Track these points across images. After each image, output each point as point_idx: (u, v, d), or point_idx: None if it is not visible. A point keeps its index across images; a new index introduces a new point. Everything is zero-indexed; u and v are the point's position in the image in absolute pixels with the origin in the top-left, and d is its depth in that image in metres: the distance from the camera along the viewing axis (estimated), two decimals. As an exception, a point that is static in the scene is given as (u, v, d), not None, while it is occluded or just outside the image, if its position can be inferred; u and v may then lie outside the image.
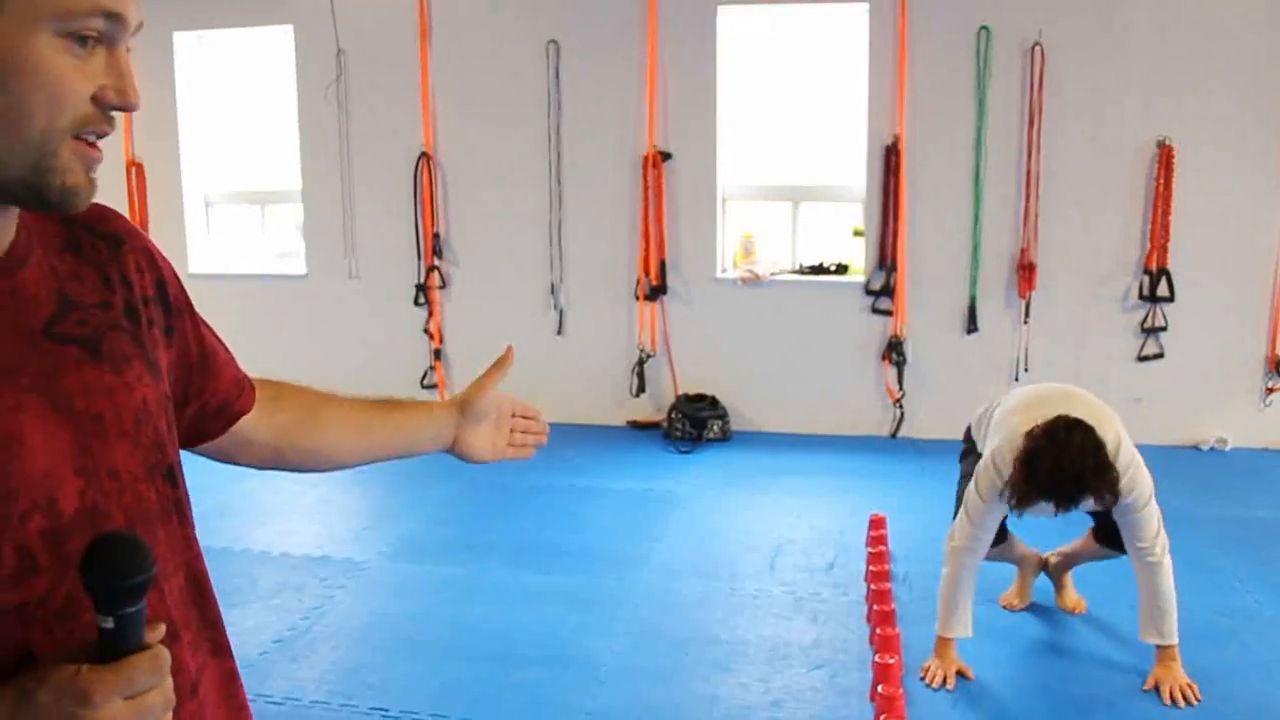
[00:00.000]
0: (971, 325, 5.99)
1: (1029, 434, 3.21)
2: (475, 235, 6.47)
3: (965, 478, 3.69)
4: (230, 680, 1.16)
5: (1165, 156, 5.66)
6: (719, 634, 3.82)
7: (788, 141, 6.28)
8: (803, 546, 4.63)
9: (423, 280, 6.51)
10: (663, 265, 6.23)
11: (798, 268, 6.30)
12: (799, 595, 4.09)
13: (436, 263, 6.49)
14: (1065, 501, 3.16)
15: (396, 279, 6.55)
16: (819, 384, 6.23)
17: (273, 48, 6.54)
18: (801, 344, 6.21)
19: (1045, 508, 3.27)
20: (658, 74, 6.08)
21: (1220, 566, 4.34)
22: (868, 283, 6.09)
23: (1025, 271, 5.86)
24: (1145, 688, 3.36)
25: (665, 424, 6.21)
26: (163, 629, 0.91)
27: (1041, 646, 3.74)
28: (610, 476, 5.59)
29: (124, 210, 6.68)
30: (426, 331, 6.57)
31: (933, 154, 5.89)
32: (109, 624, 0.88)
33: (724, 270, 6.32)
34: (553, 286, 6.41)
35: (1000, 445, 3.36)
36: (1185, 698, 3.27)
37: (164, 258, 1.17)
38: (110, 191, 6.70)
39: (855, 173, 6.10)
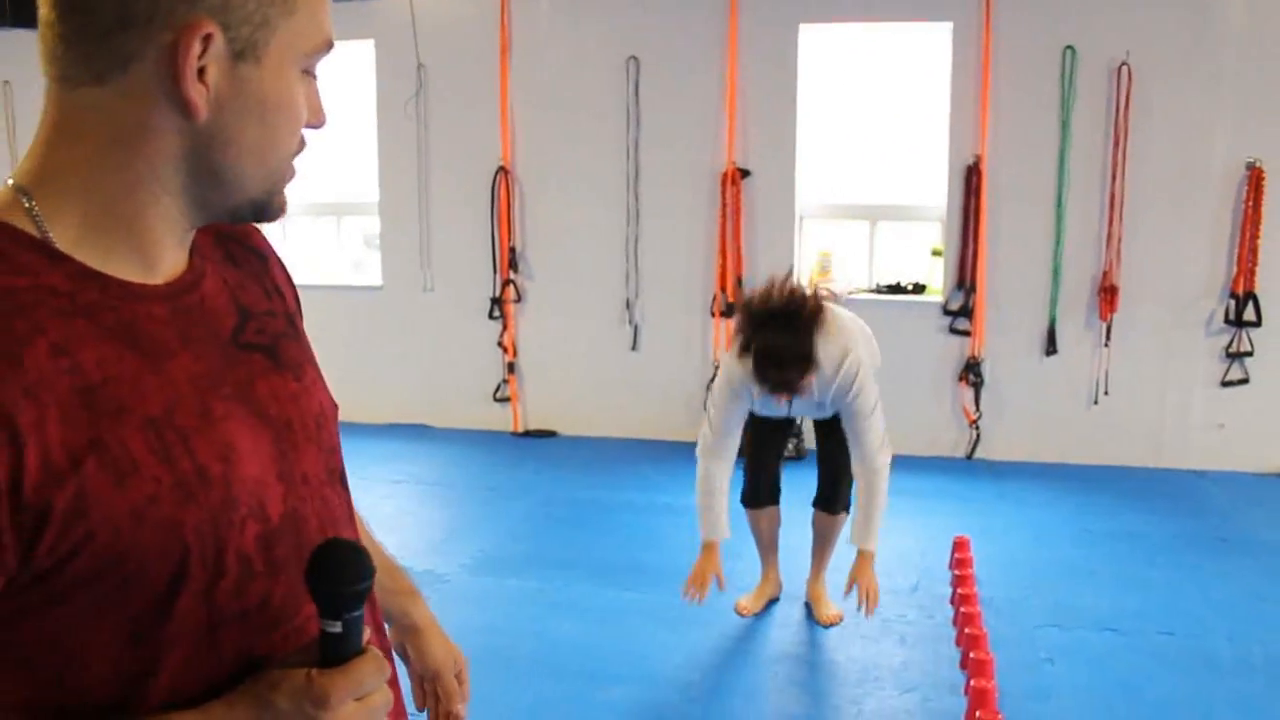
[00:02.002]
0: (1051, 347, 5.93)
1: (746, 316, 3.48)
2: (551, 250, 6.51)
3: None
4: (395, 684, 1.18)
5: (1255, 179, 5.57)
6: (807, 655, 3.81)
7: (866, 160, 6.25)
8: (885, 568, 4.56)
9: (498, 294, 6.56)
10: (739, 281, 6.22)
11: (875, 287, 6.28)
12: (885, 617, 4.05)
13: (512, 276, 6.54)
14: (769, 380, 3.40)
15: (471, 292, 6.60)
16: (895, 404, 6.10)
17: (354, 62, 6.63)
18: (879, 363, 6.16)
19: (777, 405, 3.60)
20: (738, 91, 6.09)
21: (1319, 598, 4.25)
22: (946, 303, 6.05)
23: (1107, 294, 5.79)
24: (845, 593, 3.66)
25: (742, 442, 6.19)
26: (369, 631, 0.94)
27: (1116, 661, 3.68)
28: (687, 493, 5.51)
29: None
30: (500, 345, 6.61)
31: (1014, 174, 5.84)
32: (336, 628, 0.90)
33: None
34: (628, 302, 6.43)
35: (728, 355, 3.61)
36: (870, 598, 3.60)
37: (292, 278, 1.22)
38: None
39: (934, 192, 6.06)
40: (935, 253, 6.20)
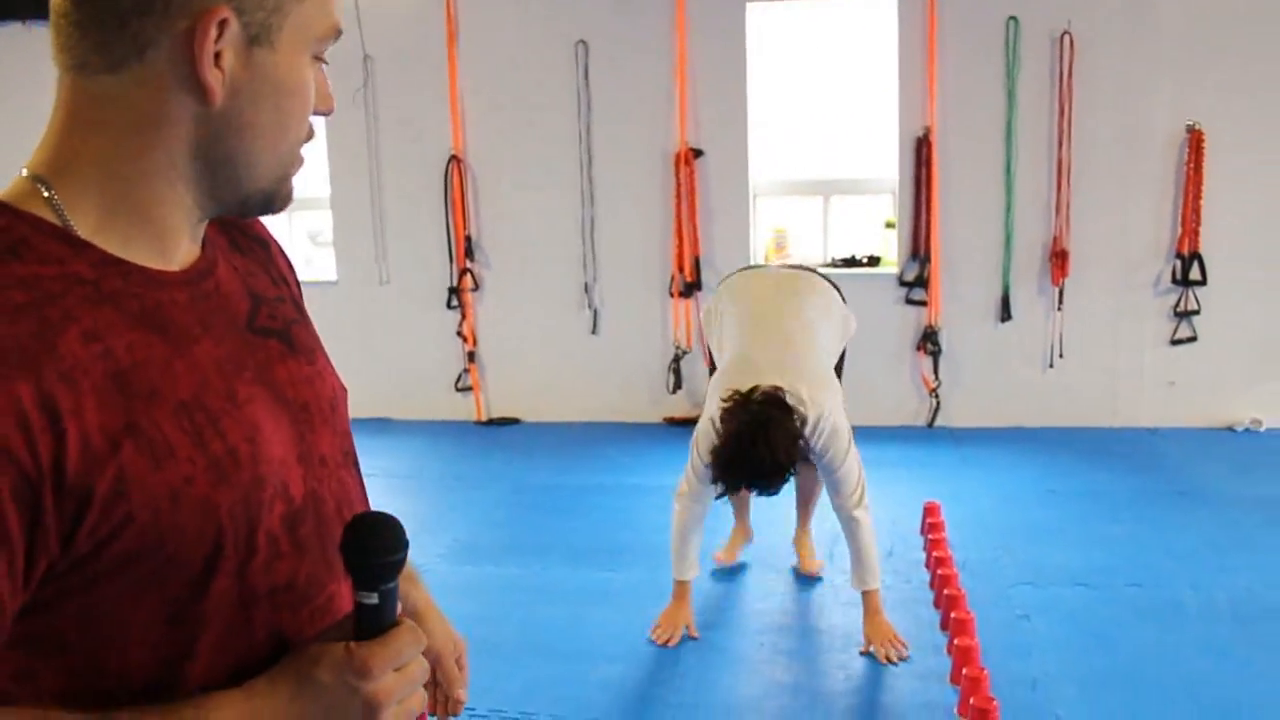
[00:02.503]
0: (1005, 314, 6.04)
1: (722, 428, 3.39)
2: (507, 237, 6.50)
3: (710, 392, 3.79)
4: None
5: (1195, 142, 5.72)
6: (790, 624, 3.87)
7: (818, 135, 6.32)
8: (857, 536, 4.67)
9: (455, 283, 6.54)
10: (696, 261, 6.26)
11: (830, 261, 6.35)
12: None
13: (469, 265, 6.52)
14: (753, 489, 3.47)
15: (428, 283, 6.57)
16: (855, 375, 6.17)
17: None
18: (836, 336, 6.25)
19: None
20: (688, 71, 6.12)
21: (1271, 545, 4.40)
22: (901, 274, 6.14)
23: (1058, 259, 5.92)
24: (861, 651, 3.56)
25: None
26: (400, 605, 0.97)
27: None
28: (654, 473, 5.60)
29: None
30: (460, 334, 6.59)
31: (964, 145, 5.94)
32: (373, 600, 0.92)
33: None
34: (586, 286, 6.44)
35: (710, 420, 3.53)
36: (896, 652, 3.50)
37: (293, 265, 1.23)
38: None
39: (885, 165, 6.14)
40: (889, 225, 6.28)
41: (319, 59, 0.98)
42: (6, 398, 0.80)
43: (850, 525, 3.60)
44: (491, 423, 6.64)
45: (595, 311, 6.47)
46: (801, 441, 3.41)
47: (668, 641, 3.67)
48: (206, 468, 0.89)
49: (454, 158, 6.40)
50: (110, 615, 0.88)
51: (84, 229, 0.91)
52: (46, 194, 0.91)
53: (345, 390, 1.14)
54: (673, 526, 3.72)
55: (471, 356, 6.63)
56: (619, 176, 6.29)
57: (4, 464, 0.79)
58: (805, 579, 4.21)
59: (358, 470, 1.13)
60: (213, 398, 0.93)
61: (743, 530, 4.35)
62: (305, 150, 1.01)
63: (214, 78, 0.90)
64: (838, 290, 4.03)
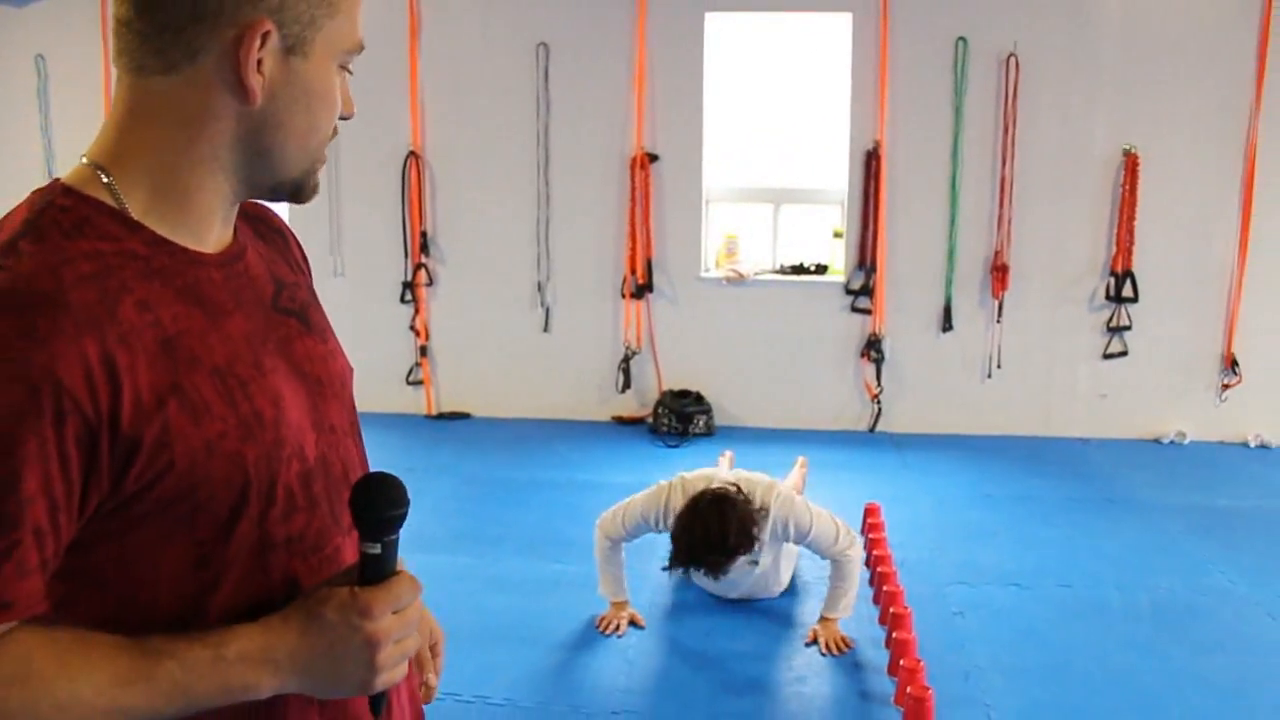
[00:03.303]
0: (947, 324, 6.24)
1: (682, 509, 3.64)
2: (463, 233, 6.57)
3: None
4: None
5: (1131, 164, 5.96)
6: (735, 615, 3.99)
7: (770, 145, 6.47)
8: (800, 535, 4.82)
9: (410, 278, 6.59)
10: (649, 264, 6.39)
11: (779, 268, 6.50)
12: (805, 580, 4.26)
13: (424, 260, 6.58)
14: (714, 568, 3.62)
15: (383, 276, 6.62)
16: (800, 380, 6.44)
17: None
18: (783, 341, 6.41)
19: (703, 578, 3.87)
20: (646, 77, 6.24)
21: (1191, 550, 4.61)
22: (848, 282, 6.31)
23: (998, 273, 6.12)
24: (806, 642, 3.75)
25: (651, 419, 6.37)
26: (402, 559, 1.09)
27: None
28: (603, 470, 5.73)
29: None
30: (413, 328, 6.65)
31: (911, 159, 6.12)
32: (375, 550, 1.04)
33: (708, 269, 6.50)
34: (539, 285, 6.53)
35: (663, 491, 3.83)
36: (839, 647, 3.68)
37: (307, 256, 1.36)
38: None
39: (835, 176, 6.31)
40: (836, 234, 6.45)
41: (344, 69, 1.11)
42: (77, 354, 0.92)
43: (840, 566, 3.76)
44: (442, 417, 6.71)
45: (548, 310, 6.56)
46: (756, 530, 3.60)
47: (616, 629, 3.79)
48: (236, 425, 1.02)
49: (412, 153, 6.46)
50: (145, 556, 1.01)
51: (135, 211, 1.04)
52: (105, 180, 1.03)
53: (352, 370, 1.27)
54: (596, 555, 3.91)
55: (424, 351, 6.69)
56: (575, 178, 6.39)
57: (71, 411, 0.92)
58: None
59: (361, 440, 1.26)
60: (242, 366, 1.05)
61: None
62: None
63: (255, 81, 1.03)
64: None
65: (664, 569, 3.78)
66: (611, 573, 3.88)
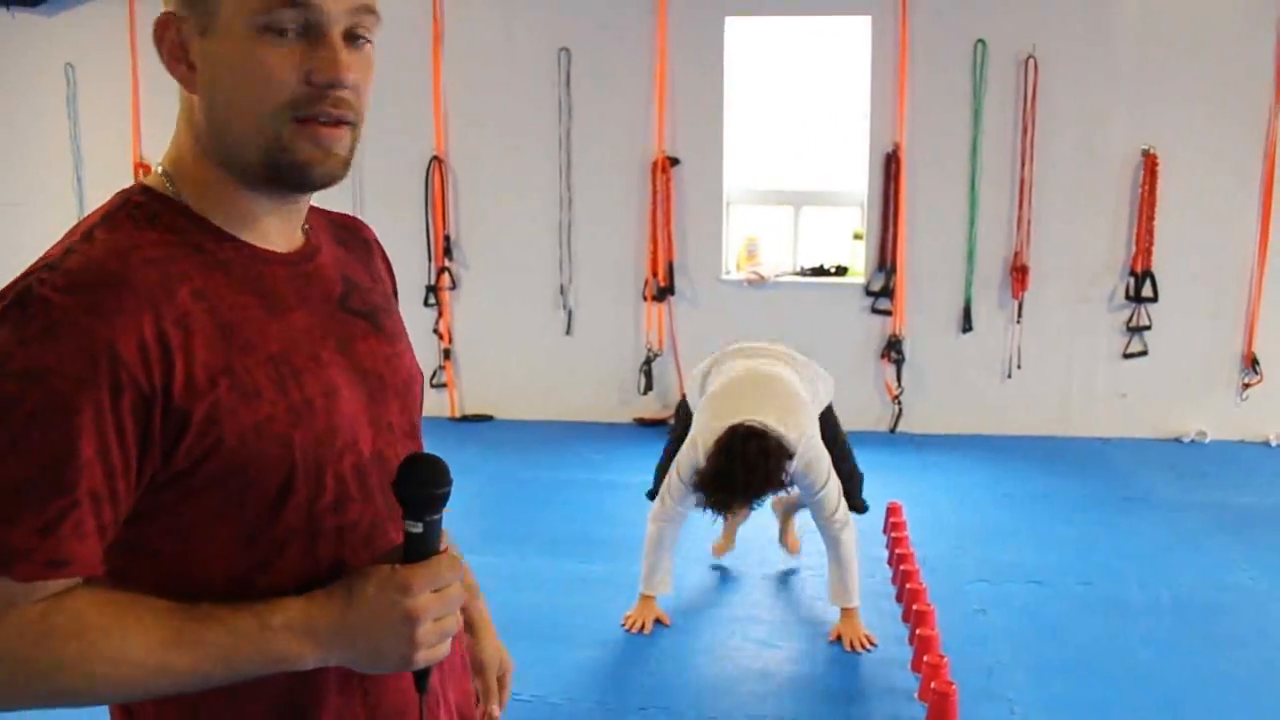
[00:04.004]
0: (967, 325, 6.27)
1: (713, 448, 3.60)
2: (485, 237, 6.64)
3: (674, 440, 4.11)
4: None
5: (1150, 164, 5.98)
6: (759, 614, 4.05)
7: (790, 147, 6.53)
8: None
9: (433, 281, 6.67)
10: (670, 267, 6.44)
11: (799, 270, 6.55)
12: (827, 578, 4.31)
13: (447, 264, 6.66)
14: (745, 503, 3.69)
15: (406, 280, 6.57)
16: None
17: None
18: (804, 343, 6.32)
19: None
20: (667, 81, 6.30)
21: (1212, 548, 4.64)
22: (868, 284, 6.35)
23: (1018, 273, 6.15)
24: (830, 639, 3.77)
25: (673, 420, 6.41)
26: (447, 538, 1.12)
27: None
28: (626, 471, 5.76)
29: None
30: (436, 332, 6.72)
31: (931, 161, 6.16)
32: (418, 529, 1.07)
33: (729, 272, 6.55)
34: (562, 287, 6.59)
35: (695, 446, 3.74)
36: (864, 645, 3.71)
37: (393, 270, 1.42)
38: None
39: (855, 178, 6.35)
40: (857, 236, 6.49)
41: (279, 33, 1.05)
42: (135, 327, 0.99)
43: (834, 545, 3.78)
44: (465, 419, 6.77)
45: (570, 313, 6.62)
46: (787, 462, 3.59)
47: (641, 628, 3.84)
48: (286, 410, 1.07)
49: (435, 158, 6.54)
50: (196, 531, 1.07)
51: (197, 210, 1.11)
52: (169, 184, 1.12)
53: (421, 374, 1.32)
54: (646, 544, 3.90)
55: (447, 354, 6.76)
56: (597, 181, 6.45)
57: (128, 382, 0.99)
58: (773, 573, 4.39)
59: (420, 443, 1.29)
60: (298, 356, 1.11)
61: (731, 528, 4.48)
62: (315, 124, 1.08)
63: (179, 71, 1.09)
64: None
65: (712, 510, 3.74)
66: (653, 561, 3.87)
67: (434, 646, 1.08)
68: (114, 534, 1.03)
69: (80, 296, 0.98)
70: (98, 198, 6.88)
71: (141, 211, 1.08)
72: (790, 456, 3.59)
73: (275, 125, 1.07)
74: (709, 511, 3.73)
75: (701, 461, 3.65)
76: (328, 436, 1.10)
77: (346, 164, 1.12)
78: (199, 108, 1.09)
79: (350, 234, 1.34)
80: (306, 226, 1.22)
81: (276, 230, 1.16)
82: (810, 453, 3.71)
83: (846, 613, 3.79)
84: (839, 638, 3.76)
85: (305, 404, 1.09)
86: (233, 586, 1.08)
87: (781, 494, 3.92)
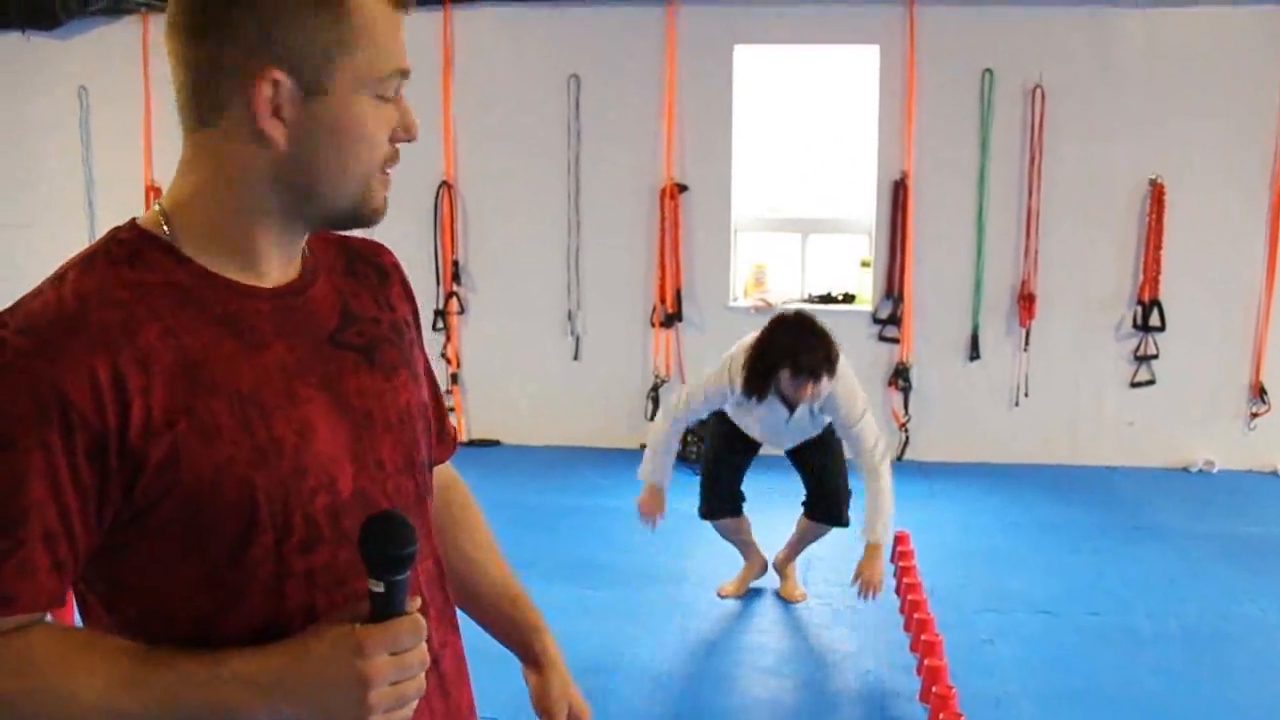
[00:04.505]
0: (974, 353, 6.28)
1: (761, 333, 3.84)
2: (494, 262, 6.67)
3: (708, 456, 4.39)
4: (462, 657, 1.33)
5: (1157, 194, 6.00)
6: (766, 643, 4.04)
7: (798, 175, 6.55)
8: (829, 562, 4.84)
9: (441, 306, 6.69)
10: (678, 293, 6.46)
11: (806, 297, 6.56)
12: (835, 607, 4.31)
13: (455, 289, 6.68)
14: (802, 363, 3.68)
15: (414, 304, 6.70)
16: None
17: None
18: (810, 369, 6.45)
19: (771, 416, 3.93)
20: (676, 108, 6.33)
21: (1221, 577, 4.63)
22: (875, 311, 6.37)
23: (1025, 302, 6.17)
24: (852, 581, 3.84)
25: (680, 447, 6.41)
26: (419, 600, 1.08)
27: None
28: (631, 497, 5.76)
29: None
30: (444, 356, 6.74)
31: (939, 190, 6.18)
32: (379, 588, 1.03)
33: (736, 299, 6.57)
34: (570, 313, 6.61)
35: (734, 351, 3.92)
36: (875, 590, 3.82)
37: (414, 295, 1.38)
38: (128, 214, 6.81)
39: (863, 206, 6.38)
40: (864, 264, 6.51)
41: (384, 98, 1.11)
42: (85, 369, 1.00)
43: (874, 476, 3.88)
44: (472, 444, 6.78)
45: (578, 338, 6.64)
46: (835, 362, 3.75)
47: (653, 522, 3.99)
48: (250, 450, 1.05)
49: (445, 183, 6.58)
50: (162, 567, 1.07)
51: (188, 249, 1.11)
52: (165, 224, 1.12)
53: (423, 406, 1.28)
54: (650, 440, 4.07)
55: (454, 378, 6.77)
56: (605, 208, 6.48)
57: (79, 424, 0.99)
58: (782, 601, 4.38)
59: (422, 478, 1.25)
60: (269, 394, 1.09)
61: (755, 562, 4.44)
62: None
63: (273, 128, 1.08)
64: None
65: (740, 391, 3.84)
66: (660, 460, 4.00)
67: (389, 711, 1.04)
68: (78, 569, 1.04)
69: (33, 339, 1.00)
70: (108, 220, 6.94)
71: (123, 250, 1.09)
72: (837, 357, 3.73)
73: (366, 181, 1.12)
74: (752, 400, 3.83)
75: (738, 370, 3.82)
76: (296, 477, 1.08)
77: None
78: (277, 160, 1.09)
79: (366, 261, 1.31)
80: (306, 256, 1.22)
81: (274, 266, 1.16)
82: (851, 381, 3.88)
83: (871, 549, 3.82)
84: (858, 576, 3.81)
85: (272, 443, 1.07)
86: (198, 626, 1.07)
87: (816, 404, 3.88)
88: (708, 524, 4.41)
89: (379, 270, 1.32)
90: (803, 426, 4.04)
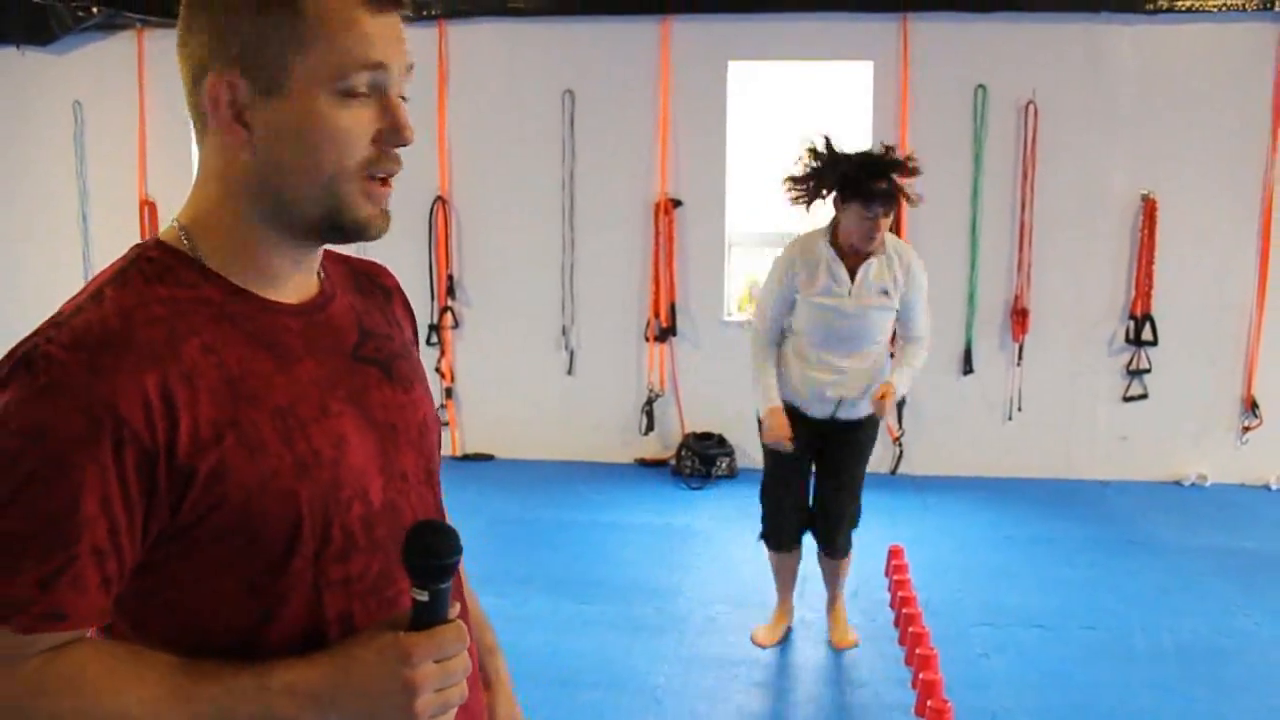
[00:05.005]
0: (967, 367, 6.29)
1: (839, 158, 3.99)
2: (488, 277, 6.67)
3: (768, 474, 4.15)
4: (475, 662, 1.32)
5: (1149, 209, 6.03)
6: (762, 657, 4.03)
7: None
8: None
9: (436, 320, 6.69)
10: (672, 308, 6.47)
11: (800, 311, 6.56)
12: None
13: (450, 303, 6.68)
14: (877, 189, 3.78)
15: (409, 319, 6.70)
16: None
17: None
18: (805, 384, 6.46)
19: (835, 292, 3.86)
20: (670, 124, 6.36)
21: (1217, 592, 4.63)
22: (869, 325, 6.37)
23: (1019, 316, 6.19)
24: (875, 397, 3.84)
25: (674, 461, 6.43)
26: (458, 607, 1.09)
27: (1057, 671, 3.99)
28: (628, 512, 5.79)
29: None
30: (438, 370, 6.74)
31: (932, 204, 6.14)
32: (424, 597, 1.04)
33: (730, 313, 6.58)
34: (564, 328, 6.62)
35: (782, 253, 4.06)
36: (884, 405, 3.83)
37: (414, 316, 1.41)
38: (122, 230, 6.84)
39: (856, 221, 6.38)
40: (857, 278, 6.51)
41: (353, 95, 1.07)
42: (137, 386, 1.00)
43: (916, 343, 3.98)
44: (467, 458, 6.77)
45: (572, 353, 6.64)
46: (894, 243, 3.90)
47: (786, 440, 3.85)
48: (292, 463, 1.07)
49: (440, 198, 6.59)
50: (204, 582, 1.07)
51: (212, 263, 1.12)
52: (185, 239, 1.13)
53: (438, 420, 1.31)
54: (754, 367, 3.97)
55: (449, 393, 6.77)
56: (600, 223, 6.50)
57: (130, 440, 1.00)
58: (766, 612, 4.37)
59: (438, 489, 1.28)
60: (306, 408, 1.10)
61: (786, 611, 4.23)
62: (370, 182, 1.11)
63: (235, 133, 1.09)
64: None
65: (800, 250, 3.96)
66: (766, 382, 3.92)
67: (434, 718, 1.06)
68: (121, 586, 1.04)
69: (83, 355, 1.00)
70: (103, 235, 6.92)
71: (153, 267, 1.09)
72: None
73: (343, 185, 1.08)
74: (818, 271, 3.88)
75: (797, 241, 4.02)
76: (334, 488, 1.10)
77: (389, 217, 1.15)
78: (249, 167, 1.09)
79: (370, 281, 1.33)
80: (322, 275, 1.23)
81: (293, 282, 1.16)
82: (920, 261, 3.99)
83: (886, 387, 3.84)
84: (882, 396, 3.83)
85: (313, 456, 1.08)
86: (239, 637, 1.08)
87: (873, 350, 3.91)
88: (704, 539, 4.40)
89: (383, 290, 1.35)
90: (870, 303, 3.87)
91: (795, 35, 6.21)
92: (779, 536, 4.10)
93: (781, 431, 3.85)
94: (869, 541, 5.11)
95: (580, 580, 4.74)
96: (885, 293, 3.85)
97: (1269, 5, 5.84)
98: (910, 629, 3.99)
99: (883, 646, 4.08)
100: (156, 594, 1.08)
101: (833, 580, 4.18)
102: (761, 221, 6.62)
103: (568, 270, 6.57)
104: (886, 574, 4.69)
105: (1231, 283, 6.11)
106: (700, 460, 6.32)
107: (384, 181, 1.12)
